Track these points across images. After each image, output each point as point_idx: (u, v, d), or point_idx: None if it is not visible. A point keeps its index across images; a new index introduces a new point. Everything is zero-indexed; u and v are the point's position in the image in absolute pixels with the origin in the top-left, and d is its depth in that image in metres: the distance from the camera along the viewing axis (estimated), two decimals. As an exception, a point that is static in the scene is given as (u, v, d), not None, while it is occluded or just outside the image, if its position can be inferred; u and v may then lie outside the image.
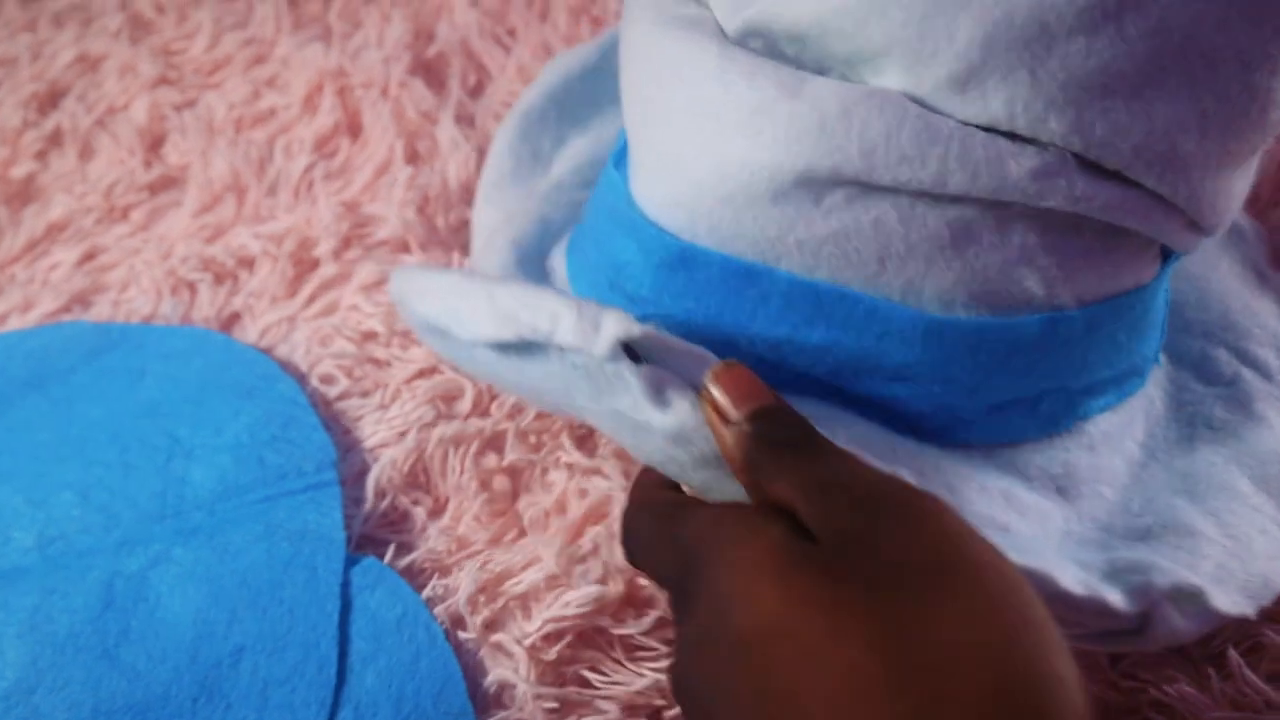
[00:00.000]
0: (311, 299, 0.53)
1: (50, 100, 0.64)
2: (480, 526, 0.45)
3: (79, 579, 0.43)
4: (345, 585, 0.43)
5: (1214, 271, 0.49)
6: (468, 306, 0.35)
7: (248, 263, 0.55)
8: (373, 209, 0.56)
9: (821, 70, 0.36)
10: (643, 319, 0.37)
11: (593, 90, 0.56)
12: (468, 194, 0.57)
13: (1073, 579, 0.34)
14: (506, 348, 0.35)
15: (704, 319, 0.38)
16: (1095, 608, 0.34)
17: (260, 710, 0.40)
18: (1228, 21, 0.34)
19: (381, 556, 0.44)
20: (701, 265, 0.38)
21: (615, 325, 0.32)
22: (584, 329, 0.32)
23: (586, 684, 0.41)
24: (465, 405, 0.49)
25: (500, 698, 0.41)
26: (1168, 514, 0.40)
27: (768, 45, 0.37)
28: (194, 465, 0.47)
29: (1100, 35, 0.33)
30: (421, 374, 0.50)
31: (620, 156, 0.43)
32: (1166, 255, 0.41)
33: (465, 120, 0.60)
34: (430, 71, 0.63)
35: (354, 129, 0.60)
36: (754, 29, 0.37)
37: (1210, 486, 0.41)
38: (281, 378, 0.49)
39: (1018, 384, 0.39)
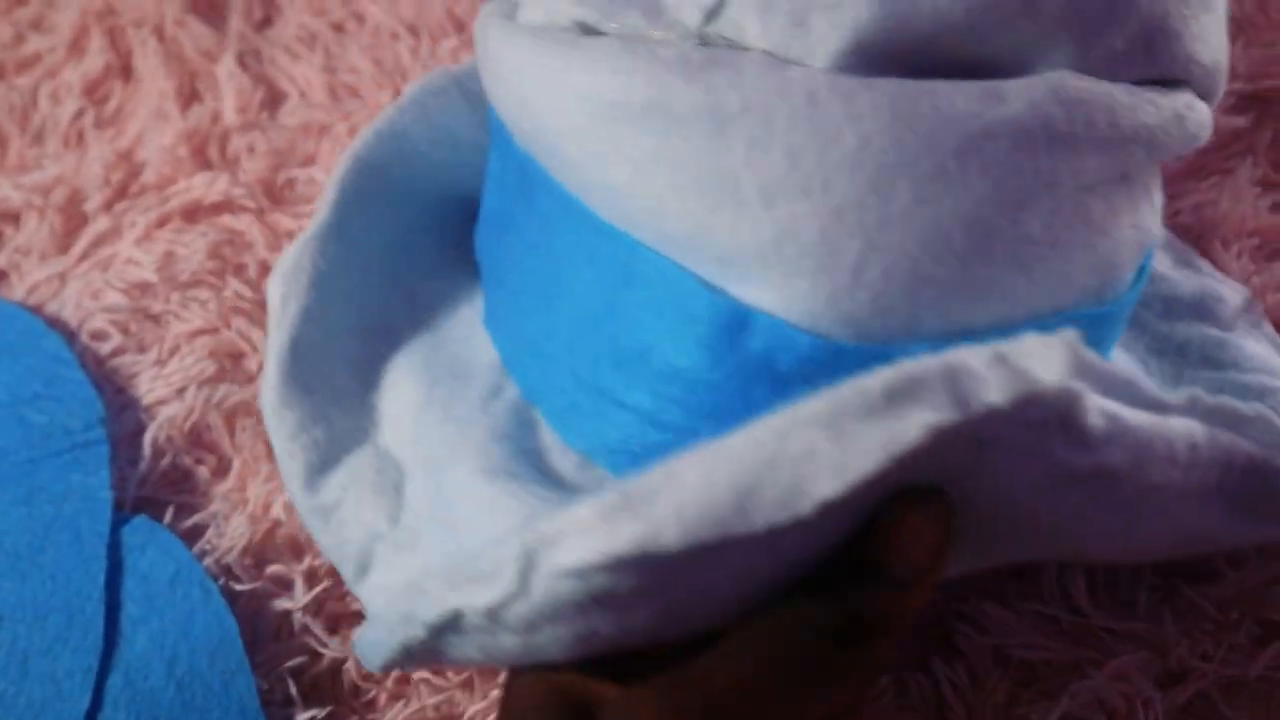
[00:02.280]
0: (84, 255, 0.52)
1: None
2: (265, 484, 0.45)
3: None
4: (115, 547, 0.42)
5: None
6: (782, 474, 0.24)
7: (12, 217, 0.53)
8: (145, 155, 0.54)
9: (950, 74, 0.31)
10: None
11: (359, 281, 0.43)
12: (246, 122, 0.56)
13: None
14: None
15: None
16: None
17: (20, 682, 0.39)
18: None
19: (161, 519, 0.43)
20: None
21: (1062, 354, 0.25)
22: (1016, 374, 0.25)
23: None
24: (253, 364, 0.48)
25: (280, 631, 0.41)
26: (1233, 388, 0.41)
27: (882, 65, 0.30)
28: (-51, 430, 0.45)
29: None
30: (202, 331, 0.49)
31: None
32: None
33: (251, 54, 0.59)
34: (212, 8, 0.61)
35: (126, 72, 0.58)
36: (865, 48, 0.30)
37: (1211, 346, 0.43)
38: (46, 334, 0.48)
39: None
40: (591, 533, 0.25)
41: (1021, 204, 0.31)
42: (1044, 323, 0.32)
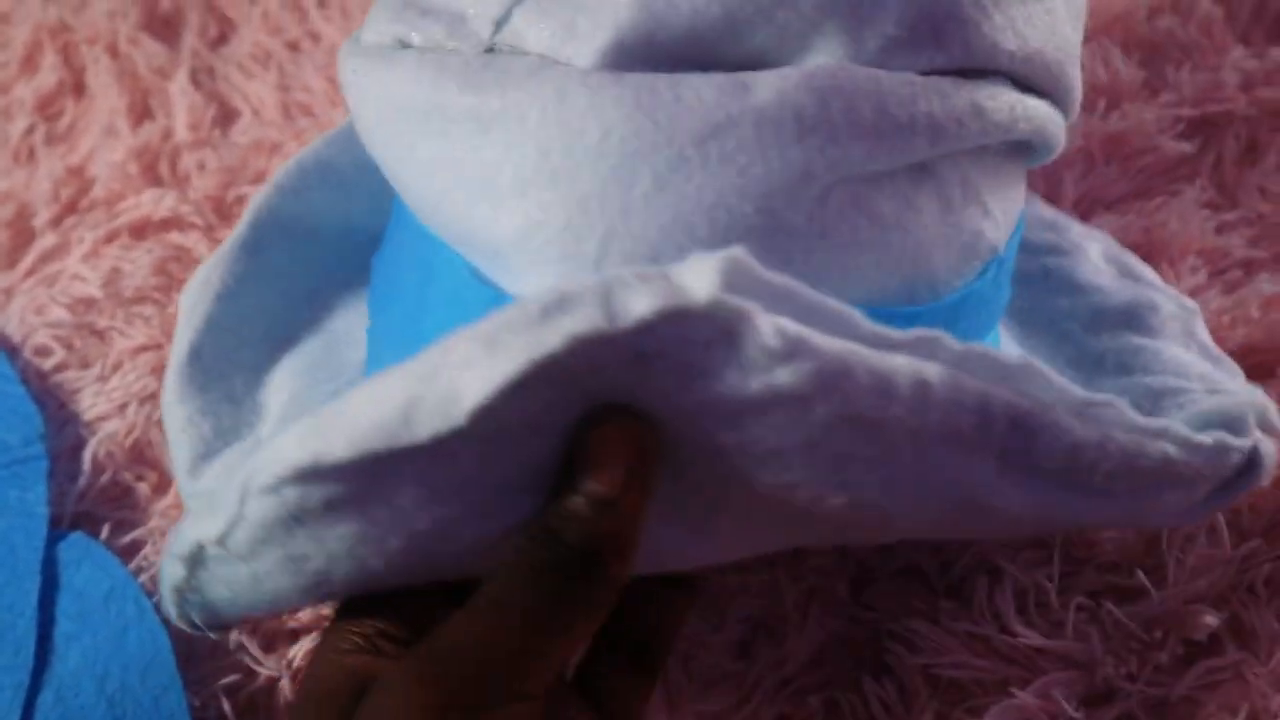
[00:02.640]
0: (31, 271, 0.52)
1: None
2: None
3: None
4: (51, 563, 0.42)
5: None
6: (437, 382, 0.26)
7: (-39, 233, 0.54)
8: (96, 171, 0.55)
9: (719, 69, 0.31)
10: None
11: (261, 300, 0.44)
12: (197, 140, 0.56)
13: (1189, 431, 0.33)
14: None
15: None
16: (1217, 454, 0.33)
17: (-50, 698, 0.39)
18: None
19: (99, 534, 0.44)
20: None
21: (707, 263, 0.26)
22: (663, 287, 0.25)
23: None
24: (197, 377, 0.48)
25: (214, 648, 0.41)
26: (1134, 390, 0.40)
27: (648, 66, 0.31)
28: (-110, 447, 0.45)
29: None
30: (145, 348, 0.49)
31: (456, 304, 0.35)
32: None
33: (204, 71, 0.60)
34: (166, 25, 0.62)
35: (79, 88, 0.59)
36: (628, 50, 0.31)
37: (1128, 355, 0.42)
38: (-12, 350, 0.48)
39: None
40: (285, 452, 0.27)
41: (771, 193, 0.31)
42: None
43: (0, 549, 0.42)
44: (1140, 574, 0.41)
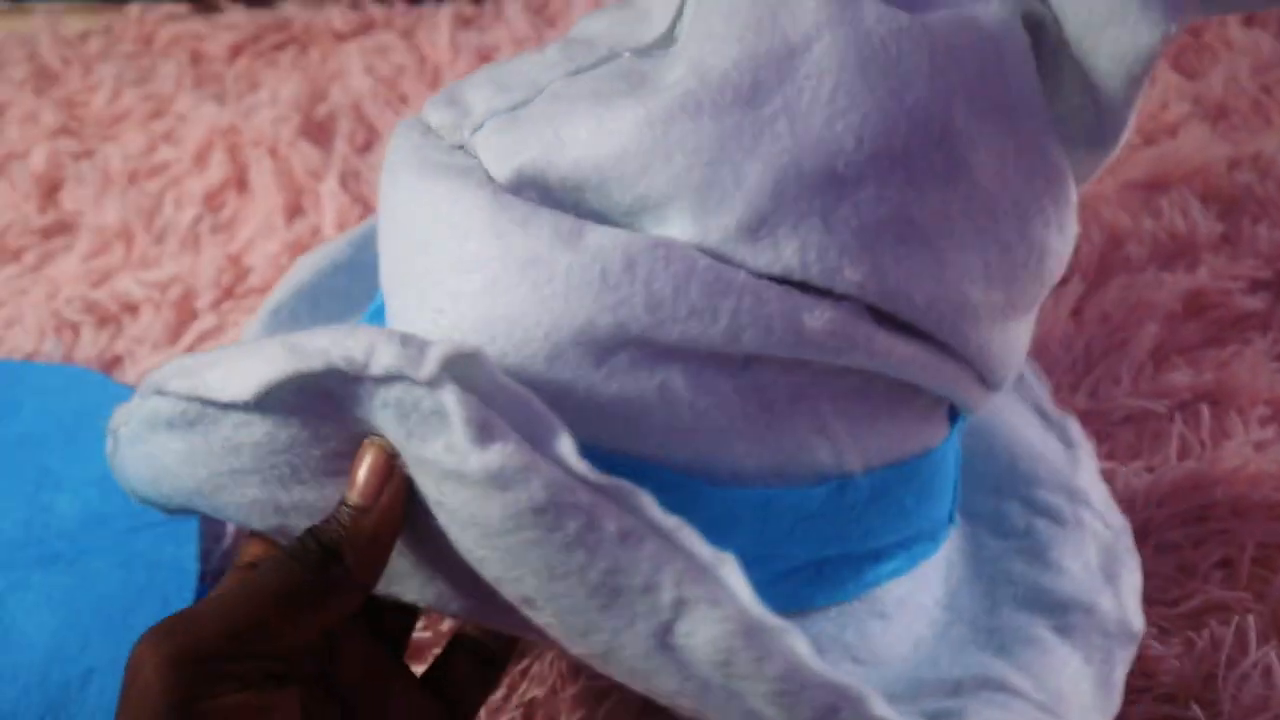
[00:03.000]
0: (190, 348, 0.58)
1: (-51, 146, 0.69)
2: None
3: (-62, 601, 0.47)
4: (197, 614, 0.47)
5: (998, 418, 0.50)
6: (246, 363, 0.32)
7: (132, 308, 0.60)
8: (253, 261, 0.61)
9: (602, 221, 0.35)
10: None
11: (347, 286, 0.52)
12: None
13: (889, 710, 0.31)
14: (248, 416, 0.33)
15: None
16: None
17: (105, 730, 0.43)
18: (1004, 175, 0.37)
19: (238, 591, 0.49)
20: None
21: (443, 346, 0.30)
22: (409, 353, 0.30)
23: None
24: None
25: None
26: (978, 669, 0.39)
27: (543, 195, 0.36)
28: (61, 495, 0.51)
29: (891, 182, 0.35)
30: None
31: (376, 317, 0.41)
32: (954, 416, 0.42)
33: (351, 175, 0.66)
34: (321, 131, 0.68)
35: (242, 184, 0.65)
36: (527, 178, 0.36)
37: (1018, 641, 0.41)
38: (152, 417, 0.54)
39: (801, 551, 0.38)
40: (159, 371, 0.34)
41: (559, 329, 0.34)
42: (599, 453, 0.32)
43: (155, 598, 0.47)
44: (1196, 707, 0.43)
